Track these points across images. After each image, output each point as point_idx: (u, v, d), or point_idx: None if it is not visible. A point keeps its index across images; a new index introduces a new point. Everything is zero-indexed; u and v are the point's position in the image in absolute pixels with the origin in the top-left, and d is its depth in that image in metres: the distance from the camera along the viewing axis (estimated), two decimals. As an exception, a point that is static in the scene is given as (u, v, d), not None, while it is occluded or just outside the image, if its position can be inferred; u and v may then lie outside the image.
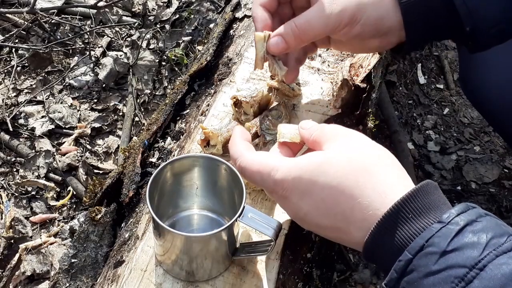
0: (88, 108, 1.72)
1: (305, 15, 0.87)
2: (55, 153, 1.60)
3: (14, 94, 1.72)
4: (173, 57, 1.79)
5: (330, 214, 0.70)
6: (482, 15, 0.87)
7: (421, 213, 0.64)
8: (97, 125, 1.67)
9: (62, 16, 1.91)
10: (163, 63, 1.82)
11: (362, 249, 0.68)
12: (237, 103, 1.00)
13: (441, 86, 1.88)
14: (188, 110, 1.13)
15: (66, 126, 1.66)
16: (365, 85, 1.09)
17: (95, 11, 1.90)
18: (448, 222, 0.62)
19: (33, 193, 1.52)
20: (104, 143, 1.66)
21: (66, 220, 1.48)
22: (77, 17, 1.90)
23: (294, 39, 0.88)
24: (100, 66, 1.79)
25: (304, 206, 0.72)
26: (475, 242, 0.60)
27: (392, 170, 0.70)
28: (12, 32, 1.82)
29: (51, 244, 1.37)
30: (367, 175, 0.68)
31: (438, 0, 0.87)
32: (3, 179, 1.55)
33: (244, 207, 0.78)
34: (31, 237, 1.44)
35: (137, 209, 0.97)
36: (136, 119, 1.70)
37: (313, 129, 0.78)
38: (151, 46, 1.86)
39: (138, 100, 1.74)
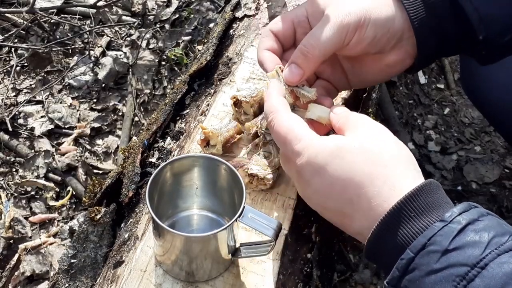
0: (88, 108, 1.72)
1: (310, 33, 0.85)
2: (54, 153, 1.59)
3: (14, 94, 1.72)
4: (172, 57, 1.79)
5: (337, 199, 0.71)
6: (495, 21, 0.85)
7: (423, 212, 0.64)
8: (96, 125, 1.67)
9: (62, 15, 1.91)
10: (163, 62, 1.82)
11: (364, 249, 0.68)
12: (237, 103, 1.00)
13: (442, 86, 1.88)
14: (188, 110, 1.13)
15: (66, 126, 1.66)
16: (366, 84, 1.09)
17: (95, 10, 1.89)
18: (450, 221, 0.62)
19: (33, 193, 1.52)
20: (104, 143, 1.65)
21: (65, 220, 1.48)
22: (77, 16, 1.90)
23: (306, 60, 0.84)
24: (100, 66, 1.78)
25: (313, 185, 0.73)
26: (477, 241, 0.60)
27: (405, 165, 0.71)
28: (12, 32, 1.81)
29: (50, 244, 1.37)
30: (379, 166, 0.69)
31: (447, 9, 0.85)
32: (3, 179, 1.54)
33: (244, 207, 0.78)
34: (30, 237, 1.43)
35: (136, 209, 0.97)
36: (136, 119, 1.70)
37: (341, 115, 0.78)
38: (151, 46, 1.86)
39: (137, 100, 1.74)
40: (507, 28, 0.87)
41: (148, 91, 1.76)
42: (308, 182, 0.73)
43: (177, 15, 1.93)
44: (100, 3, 1.87)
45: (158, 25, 1.90)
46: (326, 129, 0.82)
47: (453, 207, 0.65)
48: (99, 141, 1.66)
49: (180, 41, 1.85)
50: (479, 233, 0.61)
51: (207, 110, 1.07)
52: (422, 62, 0.91)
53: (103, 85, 1.75)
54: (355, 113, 0.78)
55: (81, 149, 1.63)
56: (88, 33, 1.84)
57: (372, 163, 0.69)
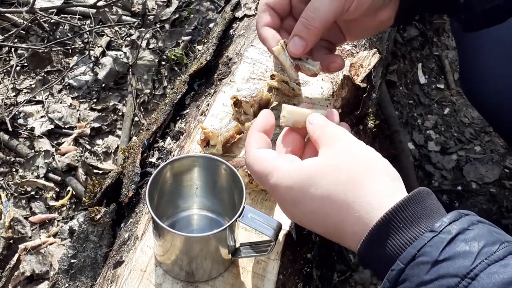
0: (88, 108, 1.72)
1: (309, 5, 0.85)
2: (54, 153, 1.59)
3: (14, 93, 1.72)
4: (172, 57, 1.79)
5: (323, 224, 0.71)
6: None
7: (412, 222, 0.64)
8: (96, 125, 1.67)
9: (62, 15, 1.91)
10: (163, 62, 1.82)
11: (357, 256, 0.68)
12: (237, 103, 1.00)
13: (442, 86, 1.88)
14: (188, 110, 1.13)
15: (66, 126, 1.66)
16: (366, 84, 1.09)
17: (95, 10, 1.89)
18: (440, 231, 0.61)
19: (33, 193, 1.52)
20: (104, 143, 1.65)
21: (65, 220, 1.48)
22: (77, 16, 1.90)
23: (308, 32, 0.86)
24: (100, 66, 1.78)
25: (297, 214, 0.73)
26: (467, 251, 0.59)
27: (384, 180, 0.69)
28: (12, 32, 1.81)
29: (50, 244, 1.37)
30: (357, 187, 0.68)
31: None
32: (3, 179, 1.54)
33: (244, 207, 0.78)
34: (30, 237, 1.43)
35: (136, 209, 0.97)
36: (136, 119, 1.70)
37: (317, 126, 0.77)
38: (151, 46, 1.86)
39: (137, 100, 1.74)
40: None
41: (148, 91, 1.76)
42: (292, 212, 0.74)
43: (177, 15, 1.93)
44: (100, 3, 1.87)
45: (158, 25, 1.90)
46: (305, 131, 0.81)
47: (443, 215, 0.64)
48: (99, 141, 1.66)
49: (180, 41, 1.85)
50: (469, 242, 0.60)
51: (207, 110, 1.07)
52: (404, 16, 0.92)
53: (103, 85, 1.75)
54: (331, 126, 0.77)
55: (81, 149, 1.63)
56: (88, 33, 1.84)
57: (348, 185, 0.68)
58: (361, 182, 0.69)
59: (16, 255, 1.34)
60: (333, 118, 0.80)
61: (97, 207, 0.97)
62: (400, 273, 0.61)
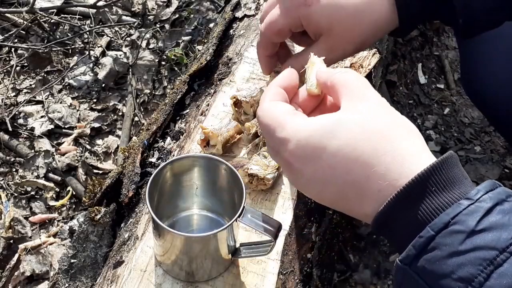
0: (88, 108, 1.72)
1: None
2: (54, 153, 1.59)
3: (14, 93, 1.72)
4: (172, 57, 1.79)
5: (339, 184, 0.63)
6: None
7: (445, 187, 0.59)
8: (96, 125, 1.67)
9: (62, 15, 1.91)
10: (163, 63, 1.82)
11: (371, 221, 0.62)
12: (237, 103, 1.00)
13: (442, 86, 1.88)
14: (188, 110, 1.13)
15: (66, 126, 1.66)
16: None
17: (95, 10, 1.89)
18: (477, 199, 0.57)
19: (33, 193, 1.52)
20: (104, 143, 1.65)
21: (65, 220, 1.48)
22: (77, 16, 1.90)
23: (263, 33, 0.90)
24: (100, 66, 1.78)
25: (307, 173, 0.64)
26: (506, 223, 0.55)
27: (413, 139, 0.64)
28: (12, 32, 1.81)
29: (50, 244, 1.37)
30: (385, 141, 0.62)
31: None
32: (3, 179, 1.54)
33: (244, 207, 0.78)
34: (30, 237, 1.43)
35: (136, 209, 0.97)
36: (136, 119, 1.70)
37: (339, 70, 0.70)
38: (151, 46, 1.86)
39: (137, 100, 1.73)
40: (486, 3, 0.85)
41: (148, 91, 1.76)
42: (301, 171, 0.65)
43: (177, 15, 1.93)
44: (100, 3, 1.87)
45: (158, 25, 1.90)
46: (317, 100, 0.73)
47: (473, 184, 0.60)
48: (99, 141, 1.66)
49: (180, 41, 1.85)
50: (508, 214, 0.56)
51: (207, 110, 1.07)
52: (405, 30, 0.92)
53: (103, 85, 1.75)
54: (354, 74, 0.70)
55: (81, 149, 1.63)
56: (88, 33, 1.84)
57: (376, 139, 0.62)
58: (392, 137, 0.62)
59: (16, 255, 1.34)
60: None
61: (97, 207, 0.97)
62: (429, 241, 0.56)
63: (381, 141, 0.62)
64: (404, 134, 0.63)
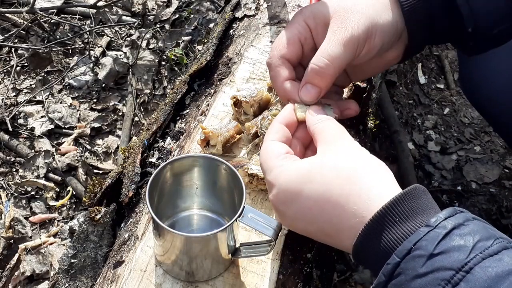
0: (88, 108, 1.72)
1: (321, 51, 0.82)
2: (54, 153, 1.59)
3: (14, 94, 1.72)
4: (172, 57, 1.79)
5: (317, 222, 0.71)
6: (485, 15, 0.85)
7: (408, 217, 0.65)
8: (96, 125, 1.67)
9: (62, 15, 1.91)
10: (163, 63, 1.82)
11: (351, 252, 0.69)
12: (237, 103, 1.00)
13: (442, 86, 1.88)
14: (188, 110, 1.13)
15: (66, 126, 1.66)
16: (365, 85, 1.09)
17: (95, 10, 1.89)
18: (436, 225, 0.62)
19: (33, 193, 1.52)
20: (104, 143, 1.65)
21: (65, 220, 1.48)
22: (77, 16, 1.90)
23: (322, 79, 0.82)
24: (100, 66, 1.78)
25: (290, 214, 0.73)
26: (462, 245, 0.60)
27: (379, 176, 0.70)
28: (12, 32, 1.81)
29: (50, 244, 1.37)
30: (352, 183, 0.69)
31: (438, 1, 0.85)
32: (3, 179, 1.54)
33: (244, 207, 0.78)
34: (30, 237, 1.43)
35: (136, 209, 0.97)
36: (136, 119, 1.70)
37: (316, 119, 0.78)
38: (151, 46, 1.86)
39: (137, 100, 1.74)
40: (496, 21, 0.87)
41: (148, 91, 1.76)
42: (285, 212, 0.74)
43: (177, 15, 1.93)
44: (100, 3, 1.87)
45: (158, 25, 1.90)
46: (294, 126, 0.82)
47: (439, 212, 0.65)
48: (99, 141, 1.66)
49: (180, 41, 1.85)
50: (464, 237, 0.61)
51: (207, 110, 1.07)
52: (412, 52, 0.92)
53: (103, 85, 1.76)
54: (330, 123, 0.77)
55: (81, 149, 1.63)
56: (88, 33, 1.84)
57: (344, 181, 0.69)
58: (359, 177, 0.69)
59: (16, 255, 1.34)
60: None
61: (97, 207, 0.97)
62: (395, 267, 0.62)
63: (349, 182, 0.69)
64: (371, 173, 0.70)
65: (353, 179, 0.69)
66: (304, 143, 0.82)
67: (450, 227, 0.62)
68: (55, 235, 1.42)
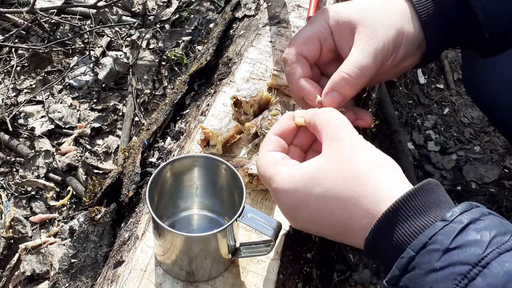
0: (88, 108, 1.72)
1: (352, 61, 0.81)
2: (54, 153, 1.59)
3: (14, 94, 1.72)
4: (173, 57, 1.79)
5: (328, 225, 0.71)
6: (501, 20, 0.85)
7: (422, 211, 0.64)
8: (96, 125, 1.67)
9: (62, 16, 1.91)
10: (163, 63, 1.82)
11: (363, 247, 0.69)
12: (237, 103, 1.00)
13: (441, 86, 1.88)
14: (188, 110, 1.13)
15: (66, 126, 1.66)
16: (365, 85, 1.09)
17: (95, 11, 1.89)
18: (451, 220, 0.62)
19: (33, 193, 1.52)
20: (104, 143, 1.65)
21: (65, 220, 1.48)
22: (77, 17, 1.90)
23: (350, 88, 0.81)
24: (100, 66, 1.78)
25: (302, 218, 0.73)
26: (478, 240, 0.60)
27: (388, 173, 0.70)
28: (12, 32, 1.81)
29: (50, 244, 1.37)
30: (360, 183, 0.69)
31: (454, 8, 0.85)
32: (3, 179, 1.54)
33: (244, 207, 0.78)
34: (30, 237, 1.43)
35: (136, 209, 0.97)
36: (136, 119, 1.70)
37: (319, 111, 0.77)
38: (151, 46, 1.86)
39: (138, 100, 1.74)
40: None
41: (148, 91, 1.76)
42: (296, 217, 0.74)
43: (177, 15, 1.93)
44: (100, 3, 1.87)
45: (158, 25, 1.90)
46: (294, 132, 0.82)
47: (453, 206, 0.65)
48: (99, 141, 1.66)
49: (180, 41, 1.85)
50: (480, 232, 0.61)
51: (207, 110, 1.07)
52: (428, 59, 0.91)
53: (103, 85, 1.76)
54: (334, 117, 0.75)
55: (81, 149, 1.63)
56: (88, 33, 1.84)
57: (352, 182, 0.69)
58: (366, 176, 0.69)
59: (17, 255, 1.34)
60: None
61: (97, 207, 0.97)
62: (410, 261, 0.62)
63: (359, 182, 0.69)
64: (378, 170, 0.70)
65: (361, 180, 0.69)
66: (303, 148, 0.82)
67: (466, 222, 0.62)
68: (55, 235, 1.42)
